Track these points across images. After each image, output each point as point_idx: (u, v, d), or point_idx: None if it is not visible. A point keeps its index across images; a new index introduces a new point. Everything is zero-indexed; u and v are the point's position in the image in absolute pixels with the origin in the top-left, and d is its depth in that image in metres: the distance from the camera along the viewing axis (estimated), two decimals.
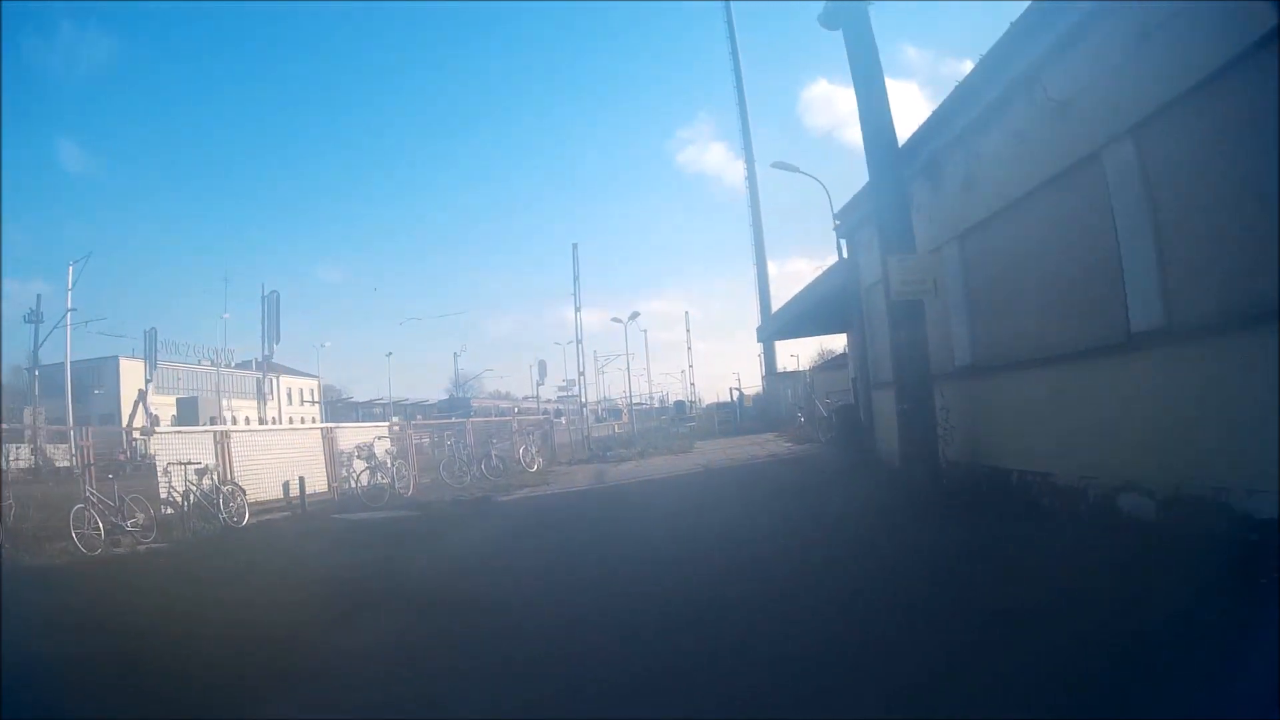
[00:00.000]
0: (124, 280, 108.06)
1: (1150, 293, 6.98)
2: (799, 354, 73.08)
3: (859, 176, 12.82)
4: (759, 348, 58.93)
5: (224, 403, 61.62)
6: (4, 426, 22.84)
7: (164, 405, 55.18)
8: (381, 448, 20.05)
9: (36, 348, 42.07)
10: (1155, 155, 6.91)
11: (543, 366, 37.83)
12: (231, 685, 5.13)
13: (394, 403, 69.54)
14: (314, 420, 61.17)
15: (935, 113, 10.76)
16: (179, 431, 18.29)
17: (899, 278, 9.67)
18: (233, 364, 70.47)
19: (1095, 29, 7.44)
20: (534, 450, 25.26)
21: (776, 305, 54.26)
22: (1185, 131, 6.51)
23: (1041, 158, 8.50)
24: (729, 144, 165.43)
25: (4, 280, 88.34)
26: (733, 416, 49.17)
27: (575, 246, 34.30)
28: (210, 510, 14.45)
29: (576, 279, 33.78)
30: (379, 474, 19.15)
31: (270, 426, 28.74)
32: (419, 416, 50.71)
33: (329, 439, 19.36)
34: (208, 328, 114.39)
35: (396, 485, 19.15)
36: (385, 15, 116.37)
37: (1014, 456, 9.33)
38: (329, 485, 18.73)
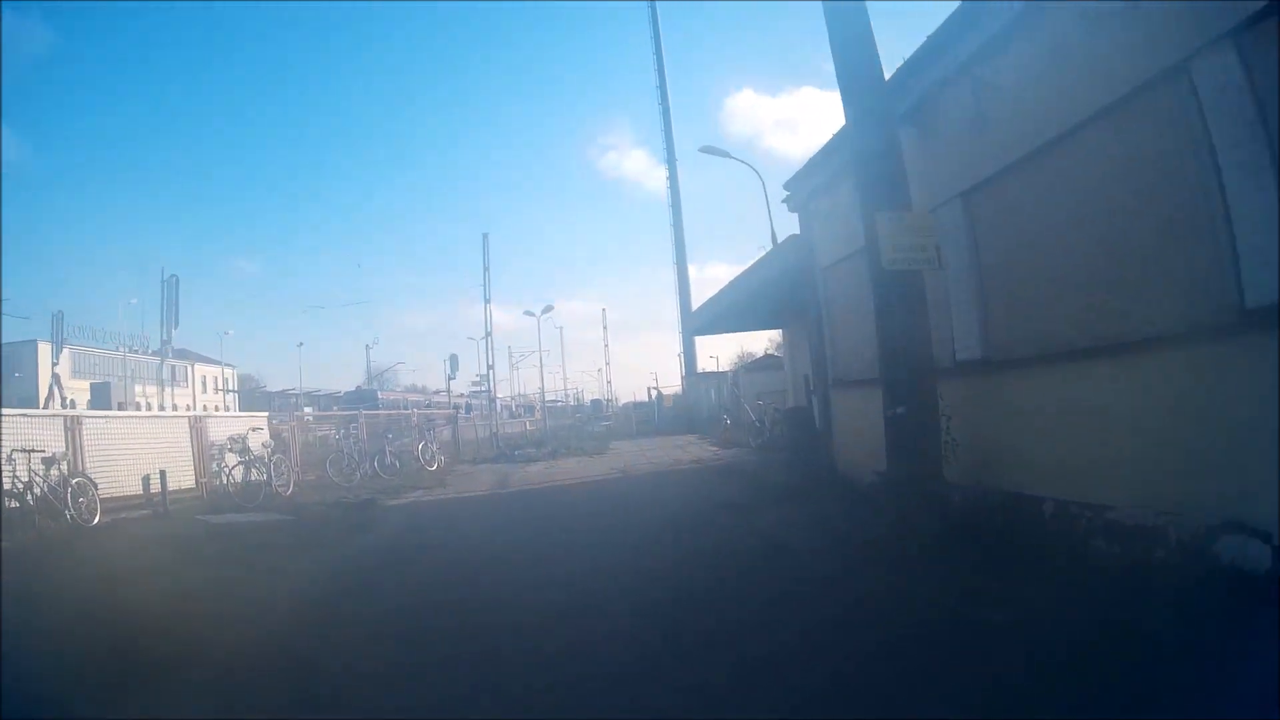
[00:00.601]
0: (48, 267, 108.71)
1: (1273, 254, 4.86)
2: (719, 355, 71.84)
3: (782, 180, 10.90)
4: (678, 347, 57.77)
5: (137, 388, 59.15)
6: None
7: (79, 390, 53.24)
8: (259, 440, 17.31)
9: None
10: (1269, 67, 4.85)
11: (454, 360, 35.26)
12: None
13: (305, 393, 65.83)
14: (226, 409, 58.72)
15: (930, 39, 8.48)
16: (24, 414, 15.43)
17: (891, 241, 7.36)
18: (149, 350, 66.83)
19: None
20: (434, 448, 22.64)
21: (697, 305, 53.64)
22: None
23: (1092, 81, 6.31)
24: (650, 150, 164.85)
25: None
26: (651, 416, 47.49)
27: (485, 237, 32.46)
28: (57, 506, 12.07)
29: (486, 269, 31.55)
30: (255, 470, 16.47)
31: (130, 413, 25.53)
32: (335, 408, 47.91)
33: (198, 429, 16.68)
34: (129, 315, 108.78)
35: (274, 483, 16.51)
36: (313, 12, 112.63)
37: (1047, 479, 7.01)
38: (197, 481, 16.23)
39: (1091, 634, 4.59)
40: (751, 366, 38.29)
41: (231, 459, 16.47)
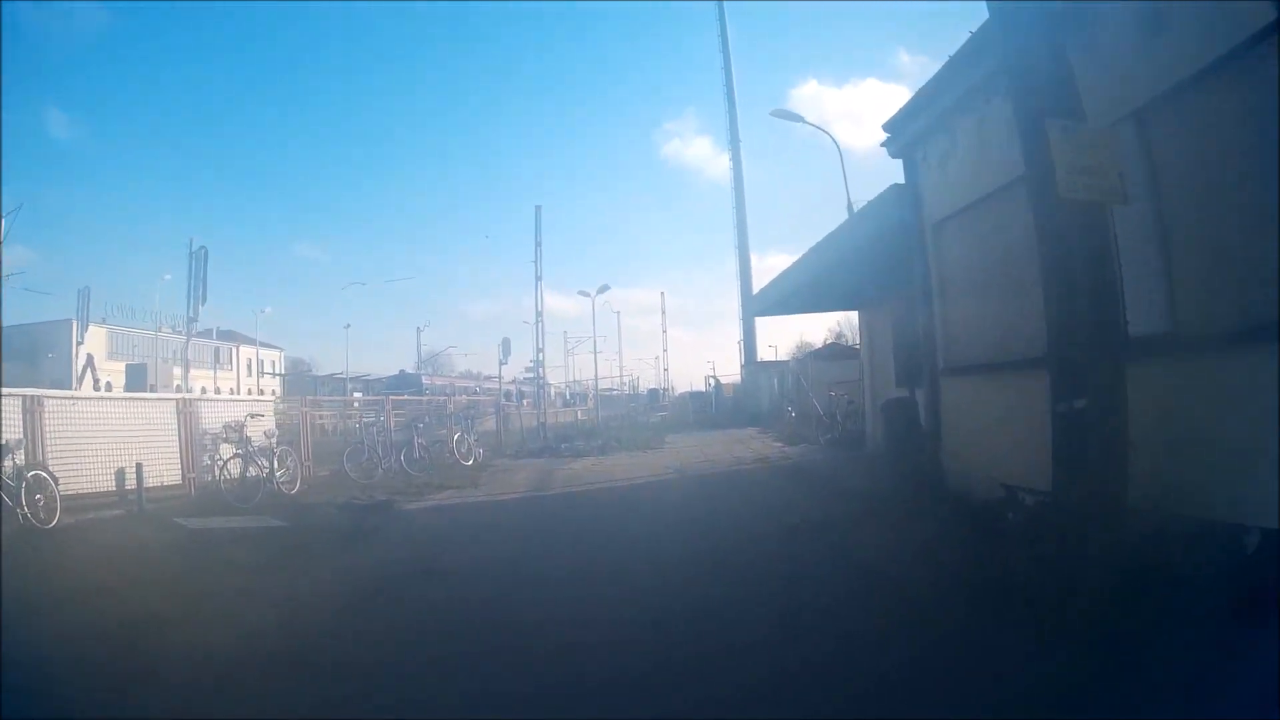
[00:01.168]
0: (93, 246, 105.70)
1: None
2: (777, 344, 69.34)
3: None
4: (738, 335, 55.38)
5: (177, 370, 58.33)
6: None
7: (115, 372, 52.31)
8: (260, 429, 15.45)
9: None
10: None
11: (506, 345, 33.23)
12: None
13: (352, 378, 64.75)
14: (273, 394, 57.92)
15: None
16: None
17: (1068, 161, 5.10)
18: (192, 331, 66.23)
19: None
20: (471, 440, 20.70)
21: (759, 290, 51.34)
22: None
23: None
24: (714, 138, 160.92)
25: None
26: (708, 407, 45.30)
27: (538, 209, 29.91)
28: (9, 504, 10.35)
29: (538, 245, 29.37)
30: (254, 464, 14.56)
31: (103, 394, 23.88)
32: (373, 394, 46.61)
33: (186, 414, 14.70)
34: (164, 292, 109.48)
35: (278, 480, 14.63)
36: (379, 3, 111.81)
37: (1266, 506, 4.78)
38: (184, 476, 14.35)
39: None
40: (819, 355, 35.85)
41: (227, 451, 14.56)
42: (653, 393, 64.39)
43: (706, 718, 4.05)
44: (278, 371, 76.35)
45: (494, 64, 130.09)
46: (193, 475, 14.38)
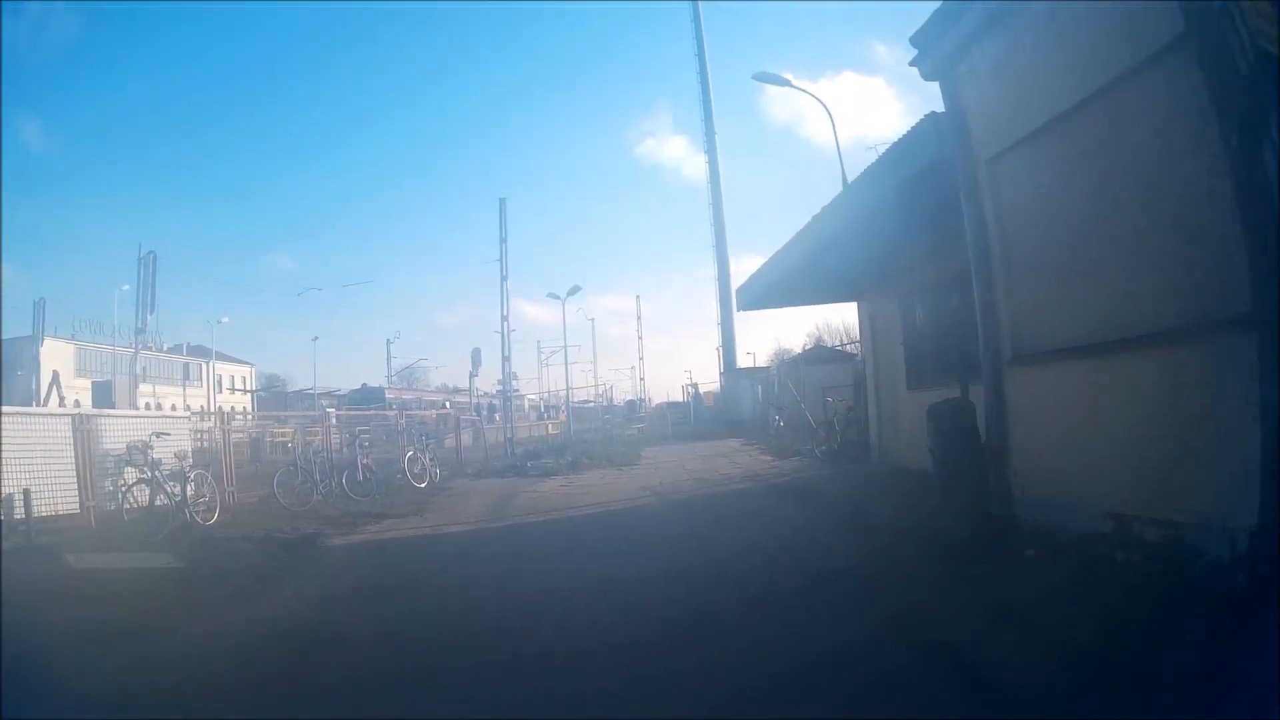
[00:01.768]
0: (59, 259, 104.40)
1: None
2: (755, 351, 67.32)
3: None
4: (715, 341, 53.59)
5: (146, 387, 56.66)
6: None
7: (83, 389, 50.07)
8: (171, 449, 13.08)
9: None
10: None
11: (477, 355, 30.80)
12: None
13: (321, 393, 62.09)
14: (245, 410, 55.52)
15: None
16: None
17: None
18: (163, 347, 65.05)
19: None
20: (426, 459, 18.34)
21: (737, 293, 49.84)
22: None
23: None
24: (690, 138, 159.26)
25: None
26: (687, 418, 43.12)
27: (502, 202, 27.50)
28: None
29: (503, 241, 26.99)
30: (164, 490, 12.27)
31: None
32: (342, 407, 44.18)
33: (84, 432, 12.31)
34: (123, 304, 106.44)
35: (190, 508, 12.34)
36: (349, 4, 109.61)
37: None
38: (83, 504, 12.02)
39: None
40: (810, 358, 33.91)
41: (132, 475, 12.29)
42: (631, 404, 62.18)
43: None
44: (250, 388, 74.22)
45: (462, 65, 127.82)
46: (93, 503, 12.09)
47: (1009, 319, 7.43)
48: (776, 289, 16.60)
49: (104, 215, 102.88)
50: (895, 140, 9.38)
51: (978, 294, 7.74)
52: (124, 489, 12.20)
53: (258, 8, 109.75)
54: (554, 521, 11.97)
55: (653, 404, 64.00)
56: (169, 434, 13.35)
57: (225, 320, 67.37)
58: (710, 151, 52.77)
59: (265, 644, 5.94)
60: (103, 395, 48.95)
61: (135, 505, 12.11)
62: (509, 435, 27.36)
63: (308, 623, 6.57)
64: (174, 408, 49.34)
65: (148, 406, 47.16)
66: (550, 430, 41.90)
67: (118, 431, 13.00)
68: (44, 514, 11.27)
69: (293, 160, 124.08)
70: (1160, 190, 5.42)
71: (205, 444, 16.24)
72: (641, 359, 62.30)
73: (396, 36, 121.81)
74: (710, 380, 54.07)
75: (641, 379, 65.15)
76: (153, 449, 12.54)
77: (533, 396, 74.48)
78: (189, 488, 12.56)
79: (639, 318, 61.91)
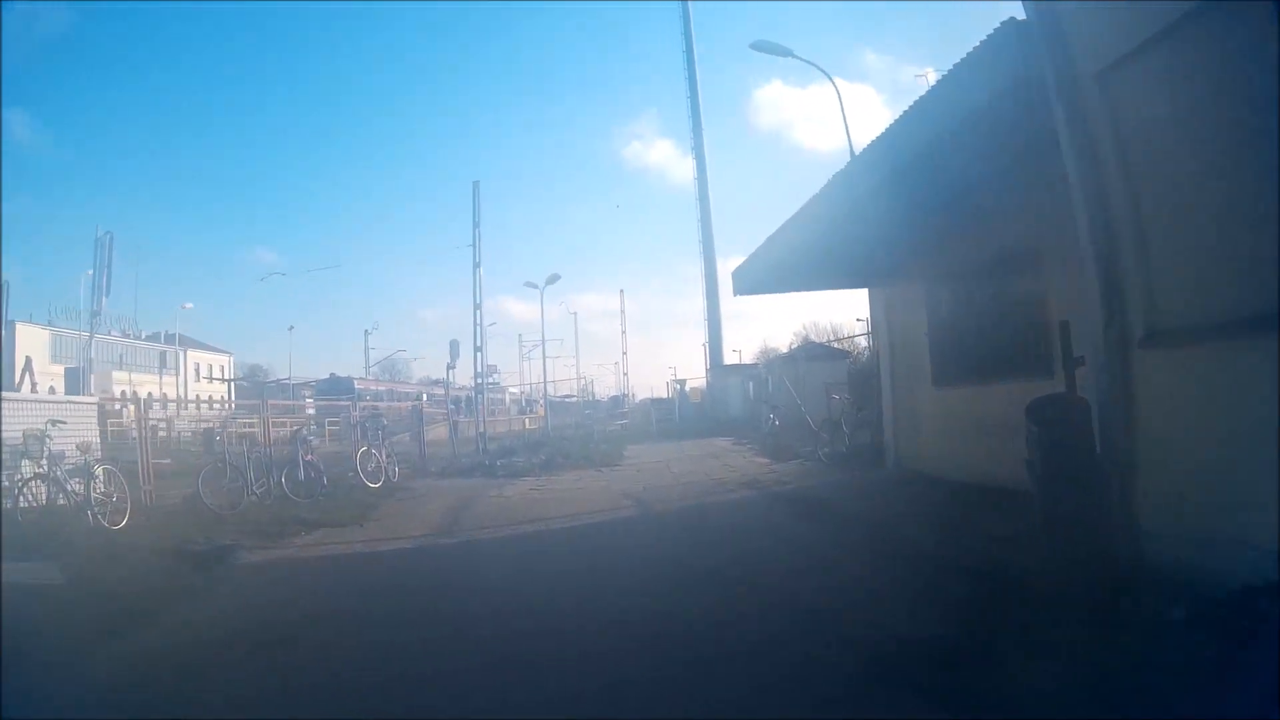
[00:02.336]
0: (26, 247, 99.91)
1: None
2: (741, 349, 65.74)
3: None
4: (700, 339, 52.08)
5: (121, 375, 56.00)
6: None
7: (56, 376, 48.22)
8: (75, 441, 11.23)
9: None
10: None
11: (455, 347, 28.94)
12: None
13: (297, 383, 60.06)
14: (221, 400, 53.62)
15: None
16: None
17: None
18: (140, 334, 64.72)
19: None
20: (382, 456, 16.33)
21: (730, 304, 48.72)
22: None
23: None
24: (676, 141, 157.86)
25: None
26: (671, 414, 41.41)
27: (476, 185, 25.44)
28: None
29: (476, 226, 24.94)
30: (65, 487, 10.48)
31: None
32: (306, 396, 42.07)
33: None
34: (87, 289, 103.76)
35: (97, 509, 10.51)
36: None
37: None
38: None
39: None
40: (811, 353, 32.24)
41: (29, 469, 10.51)
42: (614, 400, 60.28)
43: None
44: (227, 376, 72.42)
45: (447, 63, 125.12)
46: None
47: (1140, 282, 5.38)
48: (776, 272, 14.56)
49: (84, 206, 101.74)
50: (949, 71, 7.35)
51: (1091, 249, 5.63)
52: (19, 485, 10.42)
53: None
54: (514, 538, 9.94)
55: (636, 400, 62.38)
56: (65, 422, 11.30)
57: (189, 306, 65.71)
58: (697, 143, 52.27)
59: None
60: (75, 382, 47.40)
61: (33, 504, 10.37)
62: (481, 430, 25.30)
63: (158, 688, 4.76)
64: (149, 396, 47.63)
65: (123, 395, 45.15)
66: (528, 425, 39.81)
67: (16, 418, 11.05)
68: None
69: (281, 155, 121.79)
70: None
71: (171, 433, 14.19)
72: (625, 353, 60.30)
73: (384, 33, 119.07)
74: (695, 376, 52.71)
75: (625, 374, 63.14)
76: (50, 439, 10.66)
77: (514, 390, 72.33)
78: (95, 485, 10.71)
79: (622, 310, 59.97)
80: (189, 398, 44.24)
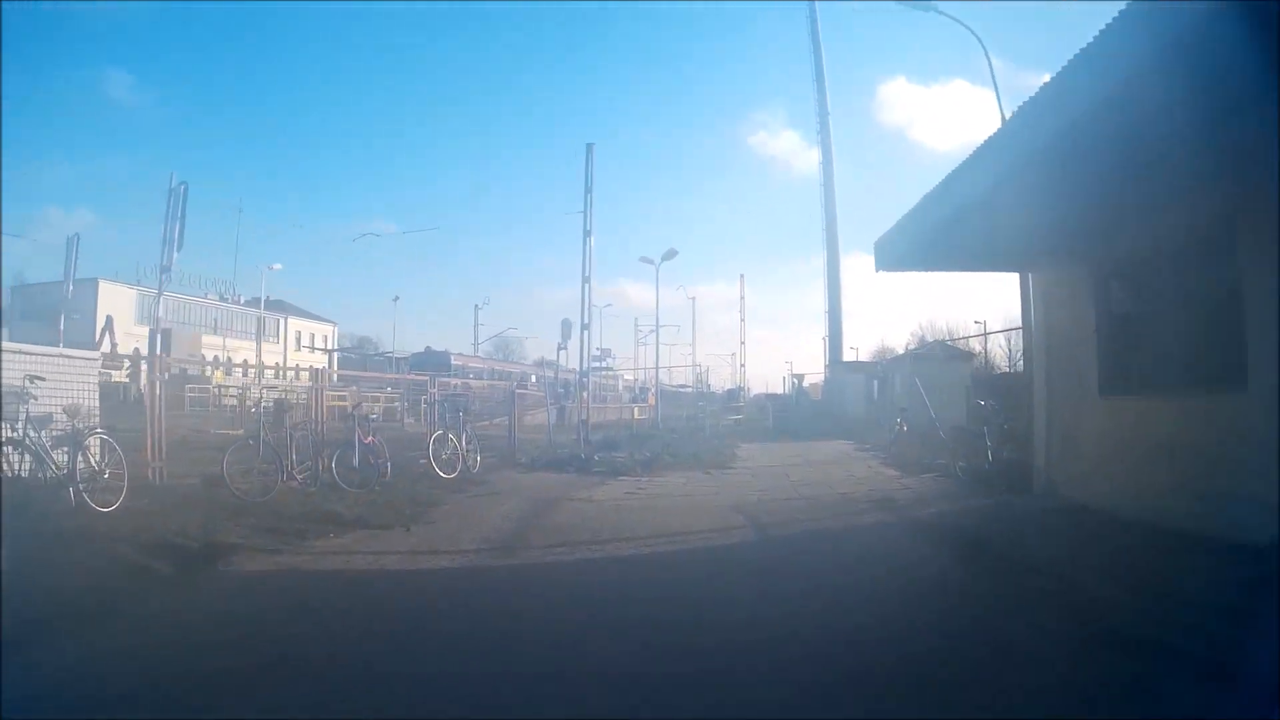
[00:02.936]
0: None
1: None
2: (859, 347, 62.67)
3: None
4: (820, 332, 49.35)
5: (212, 339, 56.59)
6: None
7: (140, 338, 47.59)
8: (58, 403, 9.36)
9: None
10: None
11: (567, 326, 27.25)
12: None
13: (401, 356, 59.13)
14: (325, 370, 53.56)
15: None
16: None
17: None
18: (237, 298, 65.85)
19: None
20: (462, 441, 14.59)
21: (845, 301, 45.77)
22: None
23: None
24: (802, 133, 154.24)
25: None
26: (787, 410, 39.15)
27: (590, 147, 23.36)
28: None
29: (588, 191, 22.87)
30: (49, 458, 8.81)
31: None
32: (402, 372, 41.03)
33: None
34: (222, 262, 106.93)
35: (85, 485, 8.92)
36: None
37: None
38: None
39: None
40: (950, 353, 29.65)
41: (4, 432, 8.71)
42: (730, 393, 57.97)
43: None
44: (330, 347, 72.72)
45: (579, 54, 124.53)
46: None
47: None
48: (925, 247, 12.21)
49: (185, 167, 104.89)
50: None
51: None
52: None
53: None
54: (588, 568, 7.70)
55: (751, 394, 60.25)
56: (44, 379, 9.25)
57: (277, 267, 64.88)
58: (823, 129, 48.97)
59: None
60: (163, 344, 47.63)
61: (13, 474, 8.53)
62: (582, 418, 23.44)
63: None
64: (245, 362, 47.28)
65: (216, 360, 44.95)
66: (637, 415, 37.88)
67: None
68: None
69: (404, 127, 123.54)
70: None
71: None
72: (743, 343, 57.95)
73: (524, 28, 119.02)
74: (813, 372, 50.72)
75: (742, 365, 60.77)
76: (33, 398, 8.87)
77: (628, 376, 70.71)
78: (87, 457, 9.10)
79: (741, 296, 57.67)
80: (288, 366, 43.62)
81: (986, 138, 8.37)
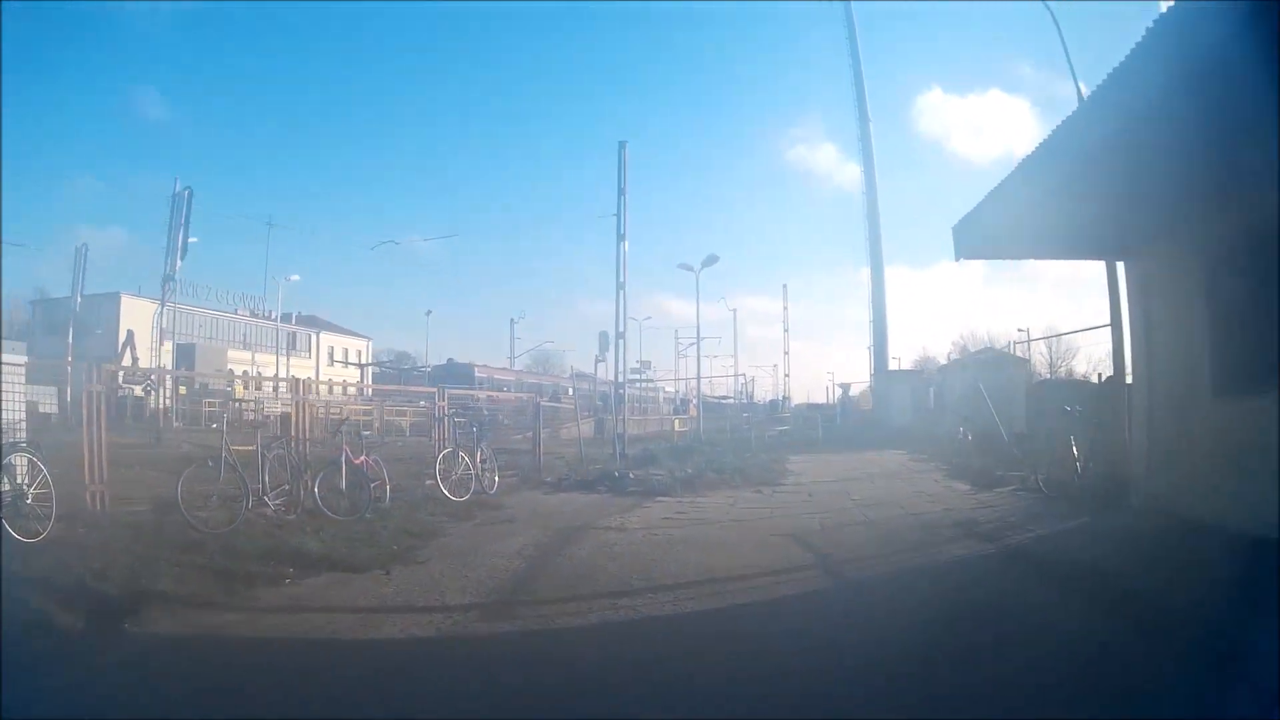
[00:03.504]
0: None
1: None
2: (901, 356, 60.85)
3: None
4: (863, 343, 47.96)
5: (237, 354, 56.05)
6: None
7: (164, 351, 46.70)
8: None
9: None
10: None
11: (604, 338, 25.99)
12: None
13: (427, 370, 57.60)
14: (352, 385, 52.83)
15: None
16: None
17: None
18: (267, 313, 63.17)
19: None
20: (477, 460, 12.85)
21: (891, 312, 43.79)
22: None
23: None
24: (840, 144, 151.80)
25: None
26: (832, 420, 38.81)
27: (622, 145, 21.73)
28: None
29: (621, 193, 21.24)
30: None
31: None
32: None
33: None
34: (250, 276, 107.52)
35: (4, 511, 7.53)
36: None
37: None
38: None
39: None
40: (998, 360, 28.04)
41: None
42: (773, 403, 56.19)
43: None
44: (364, 361, 71.70)
45: (616, 64, 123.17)
46: None
47: None
48: (1008, 233, 10.49)
49: (223, 185, 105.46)
50: None
51: None
52: None
53: None
54: (608, 635, 5.68)
55: (792, 404, 58.70)
56: None
57: (295, 278, 63.52)
58: (864, 136, 47.24)
59: None
60: (185, 358, 47.55)
61: None
62: (619, 431, 21.58)
63: None
64: (254, 374, 46.52)
65: (245, 374, 43.89)
66: (678, 427, 35.93)
67: None
68: None
69: (442, 144, 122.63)
70: None
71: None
72: (786, 353, 56.12)
73: (560, 40, 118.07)
74: (858, 381, 49.77)
75: (786, 375, 58.96)
76: None
77: (669, 389, 69.22)
78: (10, 478, 7.73)
79: (785, 306, 55.95)
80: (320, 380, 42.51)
81: (1075, 108, 7.50)
